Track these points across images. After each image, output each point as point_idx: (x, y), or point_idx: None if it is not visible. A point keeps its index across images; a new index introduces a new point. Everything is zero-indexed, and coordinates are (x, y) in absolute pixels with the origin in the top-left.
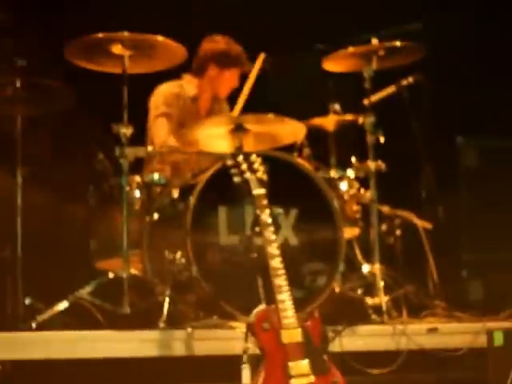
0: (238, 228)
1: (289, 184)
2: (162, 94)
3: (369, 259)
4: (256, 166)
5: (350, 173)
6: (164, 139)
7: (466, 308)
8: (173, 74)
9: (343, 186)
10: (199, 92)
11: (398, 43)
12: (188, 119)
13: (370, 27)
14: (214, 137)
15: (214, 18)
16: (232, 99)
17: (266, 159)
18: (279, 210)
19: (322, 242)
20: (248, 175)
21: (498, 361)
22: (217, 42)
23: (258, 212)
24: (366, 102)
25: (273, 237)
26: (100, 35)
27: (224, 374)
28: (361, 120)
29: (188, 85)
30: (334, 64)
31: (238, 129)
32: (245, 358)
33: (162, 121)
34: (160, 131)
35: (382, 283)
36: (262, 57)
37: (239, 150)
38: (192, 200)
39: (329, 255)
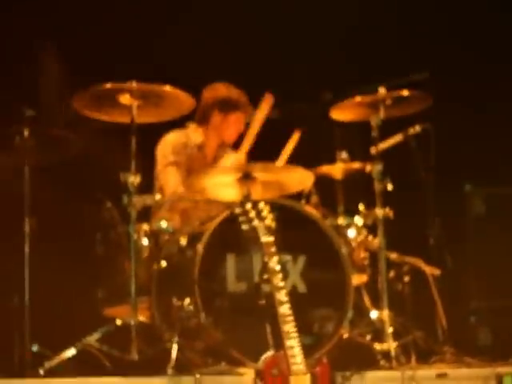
0: (246, 275)
1: (297, 231)
2: (169, 143)
3: (377, 305)
4: (264, 213)
5: (358, 220)
6: (175, 188)
7: (475, 354)
8: (177, 122)
9: (351, 233)
10: (205, 140)
11: (405, 92)
12: (195, 167)
13: (378, 76)
14: (222, 185)
15: (220, 67)
16: (237, 145)
17: (274, 207)
18: (287, 257)
19: (330, 288)
20: (256, 223)
21: None
22: (217, 90)
23: (266, 259)
24: (373, 150)
25: (281, 284)
26: (108, 85)
27: None
28: (368, 168)
29: (194, 133)
30: (341, 113)
31: (246, 177)
32: None
33: (171, 169)
34: (170, 180)
35: (390, 329)
36: (267, 97)
37: (247, 198)
38: (200, 247)
39: (337, 302)
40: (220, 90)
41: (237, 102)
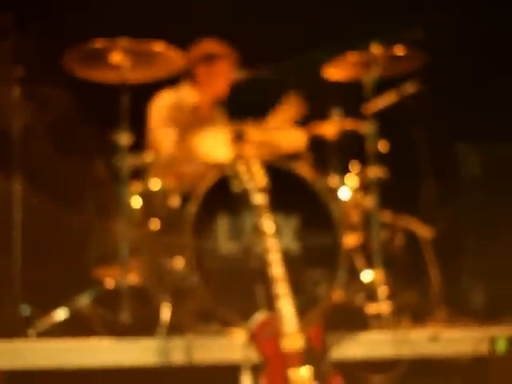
0: (238, 236)
1: (289, 192)
2: (161, 103)
3: (370, 266)
4: (257, 174)
5: (351, 180)
6: (168, 149)
7: (469, 315)
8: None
9: (344, 193)
10: (199, 100)
11: (399, 50)
12: (190, 128)
13: (371, 33)
14: (215, 146)
15: (211, 24)
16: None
17: (267, 167)
18: (280, 218)
19: (323, 249)
20: (249, 183)
21: (500, 367)
22: (199, 44)
23: (258, 220)
24: (366, 109)
25: (274, 244)
26: (99, 43)
27: (224, 381)
28: (362, 127)
29: (187, 92)
30: (333, 71)
31: (239, 138)
32: (245, 365)
33: (164, 130)
34: (164, 140)
35: (383, 290)
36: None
37: (239, 158)
38: (192, 208)
39: (330, 262)
40: (201, 44)
41: (218, 52)
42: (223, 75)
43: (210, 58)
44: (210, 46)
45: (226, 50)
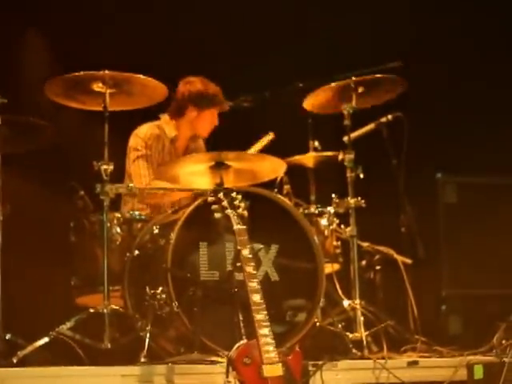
0: (218, 263)
1: (269, 220)
2: (142, 135)
3: (349, 294)
4: (237, 202)
5: (330, 209)
6: (144, 181)
7: (447, 342)
8: (150, 111)
9: (323, 221)
10: (178, 133)
11: (378, 75)
12: (166, 159)
13: (351, 66)
14: (195, 174)
15: (193, 56)
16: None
17: (247, 195)
18: (260, 246)
19: (302, 277)
20: (229, 211)
21: None
22: (193, 84)
23: (238, 247)
24: (345, 138)
25: (253, 272)
26: (81, 73)
27: None
28: (340, 156)
29: (167, 126)
30: (314, 102)
31: (219, 165)
32: None
33: (142, 163)
34: (141, 173)
35: (362, 318)
36: (270, 137)
37: (220, 186)
38: (173, 236)
39: (309, 290)
40: (196, 84)
41: (213, 98)
42: (211, 121)
43: (203, 102)
44: (205, 87)
45: (220, 96)
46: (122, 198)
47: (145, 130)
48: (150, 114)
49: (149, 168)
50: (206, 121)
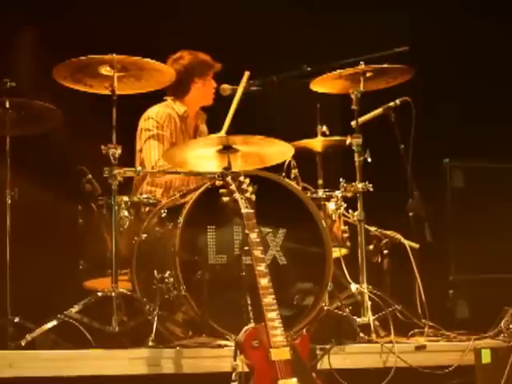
0: (226, 247)
1: (277, 204)
2: (154, 115)
3: (356, 279)
4: (244, 186)
5: (338, 193)
6: (156, 161)
7: (454, 327)
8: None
9: (331, 205)
10: (187, 110)
11: (385, 65)
12: (178, 139)
13: (359, 50)
14: (203, 157)
15: (201, 37)
16: (211, 120)
17: (255, 179)
18: (267, 230)
19: (310, 261)
20: (236, 195)
21: (485, 378)
22: (186, 58)
23: (246, 231)
24: (353, 123)
25: (261, 256)
26: (89, 57)
27: None
28: (348, 141)
29: (175, 104)
30: (321, 86)
31: (227, 149)
32: (234, 375)
33: (154, 143)
34: (152, 153)
35: (369, 302)
36: (246, 75)
37: (227, 170)
38: (181, 220)
39: (317, 274)
40: (190, 57)
41: (210, 62)
42: (214, 86)
43: (204, 70)
44: (200, 56)
45: (211, 59)
46: (133, 185)
47: (156, 110)
48: (158, 97)
49: (159, 147)
50: (210, 86)
